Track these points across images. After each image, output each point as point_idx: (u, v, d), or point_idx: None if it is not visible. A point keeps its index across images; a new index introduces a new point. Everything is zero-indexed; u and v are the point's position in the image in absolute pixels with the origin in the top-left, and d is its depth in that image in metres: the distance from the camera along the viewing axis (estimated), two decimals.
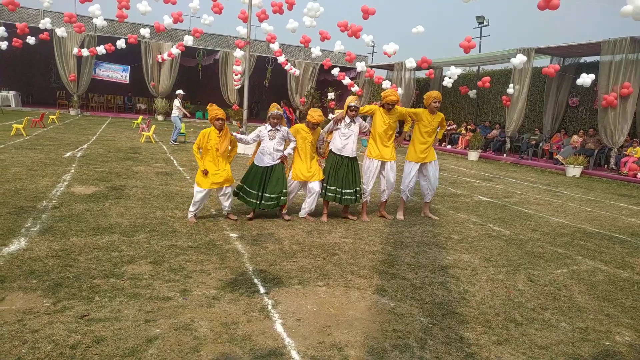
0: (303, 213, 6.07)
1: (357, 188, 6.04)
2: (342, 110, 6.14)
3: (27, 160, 8.90)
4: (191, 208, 5.55)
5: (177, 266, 4.01)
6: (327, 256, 4.60)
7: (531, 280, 4.32)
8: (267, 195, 5.64)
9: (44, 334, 2.74)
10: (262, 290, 3.65)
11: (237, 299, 3.44)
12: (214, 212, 6.02)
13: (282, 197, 5.68)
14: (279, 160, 5.76)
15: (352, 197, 5.99)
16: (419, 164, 6.44)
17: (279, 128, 5.76)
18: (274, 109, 5.78)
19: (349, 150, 6.02)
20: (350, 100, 6.10)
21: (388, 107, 6.12)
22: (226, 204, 5.72)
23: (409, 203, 7.50)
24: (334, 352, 2.79)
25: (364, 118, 6.46)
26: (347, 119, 6.05)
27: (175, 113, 14.15)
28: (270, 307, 3.36)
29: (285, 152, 5.83)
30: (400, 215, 6.52)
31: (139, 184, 7.41)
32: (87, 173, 8.03)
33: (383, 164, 6.25)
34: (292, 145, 5.89)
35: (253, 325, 3.06)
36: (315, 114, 5.88)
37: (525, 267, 4.72)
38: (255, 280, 3.83)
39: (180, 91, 14.27)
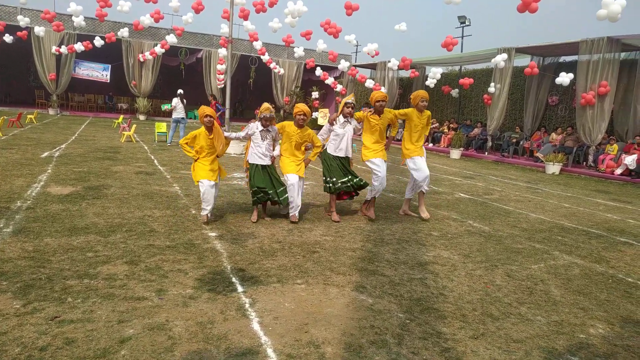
0: (293, 212, 5.78)
1: (353, 176, 6.05)
2: (336, 114, 6.14)
3: (2, 160, 8.69)
4: (203, 206, 5.47)
5: (154, 266, 3.95)
6: (307, 254, 4.59)
7: (509, 276, 4.36)
8: (280, 190, 5.67)
9: (12, 337, 2.67)
10: (239, 289, 3.61)
11: (214, 298, 3.41)
12: (193, 212, 5.95)
13: (286, 195, 5.68)
14: (270, 162, 5.75)
15: (361, 182, 6.02)
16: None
17: (270, 129, 5.70)
18: (267, 112, 5.62)
19: (343, 151, 6.02)
20: (347, 98, 6.08)
21: (379, 105, 6.10)
22: (204, 199, 5.64)
23: (391, 201, 7.53)
24: (310, 349, 2.77)
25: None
26: (342, 119, 6.02)
27: (182, 113, 13.96)
28: (247, 305, 3.33)
29: (274, 153, 5.81)
30: (425, 213, 6.48)
31: (117, 184, 7.30)
32: (64, 173, 7.88)
33: None
34: (278, 147, 5.87)
35: (229, 324, 3.02)
36: (301, 105, 5.83)
37: (503, 262, 4.76)
38: (233, 279, 3.79)
39: (180, 91, 14.06)
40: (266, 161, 5.70)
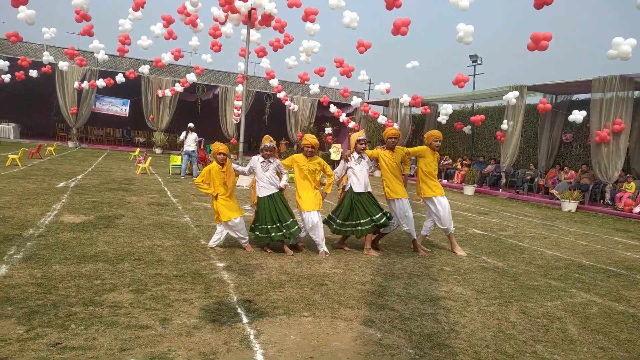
0: (323, 248, 5.78)
1: (374, 217, 5.90)
2: (350, 150, 6.17)
3: (18, 189, 8.85)
4: (241, 240, 5.71)
5: (160, 295, 3.90)
6: (315, 286, 4.50)
7: (524, 313, 4.21)
8: (285, 224, 5.58)
9: None
10: (245, 320, 3.54)
11: (218, 328, 3.33)
12: (202, 242, 5.93)
13: (295, 227, 5.61)
14: (277, 190, 5.73)
15: (369, 227, 5.91)
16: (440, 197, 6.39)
17: (271, 160, 5.74)
18: (267, 141, 5.75)
19: (364, 186, 6.01)
20: (358, 135, 6.13)
21: (392, 141, 6.16)
22: (240, 234, 5.72)
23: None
24: None
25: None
26: (356, 155, 6.06)
27: (192, 146, 13.97)
28: (252, 337, 3.24)
29: (281, 184, 5.79)
30: (460, 251, 6.47)
31: (129, 214, 7.34)
32: (78, 202, 7.97)
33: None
34: (284, 178, 5.85)
35: (232, 355, 2.94)
36: (309, 137, 5.89)
37: (518, 299, 4.61)
38: (239, 310, 3.72)
39: (191, 125, 14.18)
40: (272, 189, 5.69)
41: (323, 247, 5.79)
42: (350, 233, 6.02)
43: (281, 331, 3.38)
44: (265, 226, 5.58)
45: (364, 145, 6.09)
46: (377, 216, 5.92)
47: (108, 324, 3.23)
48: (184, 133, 13.94)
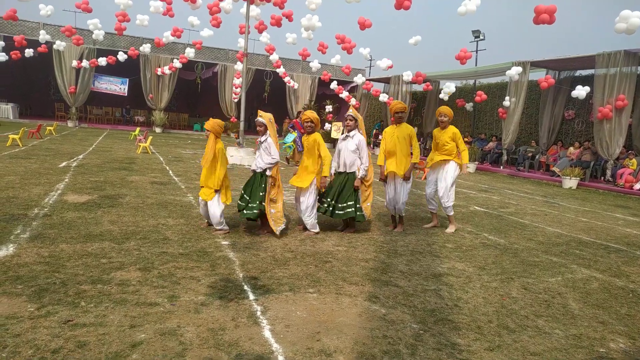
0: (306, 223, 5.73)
1: (349, 203, 5.70)
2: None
3: (21, 169, 8.86)
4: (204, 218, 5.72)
5: (167, 273, 3.96)
6: (319, 264, 4.56)
7: (525, 288, 4.27)
8: (251, 204, 5.43)
9: (26, 339, 2.68)
10: (251, 296, 3.59)
11: (225, 305, 3.39)
12: (206, 221, 5.96)
13: (253, 211, 5.39)
14: (261, 170, 5.45)
15: (344, 212, 5.71)
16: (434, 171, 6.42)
17: (261, 139, 5.47)
18: (258, 116, 5.51)
19: (341, 167, 5.83)
20: (348, 112, 6.05)
21: (398, 117, 6.05)
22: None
23: (406, 213, 7.46)
24: (322, 357, 2.73)
25: (377, 145, 6.30)
26: (344, 132, 5.90)
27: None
28: (259, 313, 3.30)
29: (267, 170, 5.43)
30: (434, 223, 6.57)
31: (132, 193, 7.37)
32: (81, 182, 7.99)
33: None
34: (268, 160, 5.43)
35: (240, 331, 3.00)
36: (308, 112, 5.76)
37: (519, 275, 4.67)
38: (245, 287, 3.78)
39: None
40: (259, 168, 5.44)
41: (305, 222, 5.71)
42: (322, 212, 5.81)
43: (287, 307, 3.44)
44: (244, 194, 5.52)
45: (348, 122, 5.77)
46: (332, 202, 5.72)
47: (117, 302, 3.29)
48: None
